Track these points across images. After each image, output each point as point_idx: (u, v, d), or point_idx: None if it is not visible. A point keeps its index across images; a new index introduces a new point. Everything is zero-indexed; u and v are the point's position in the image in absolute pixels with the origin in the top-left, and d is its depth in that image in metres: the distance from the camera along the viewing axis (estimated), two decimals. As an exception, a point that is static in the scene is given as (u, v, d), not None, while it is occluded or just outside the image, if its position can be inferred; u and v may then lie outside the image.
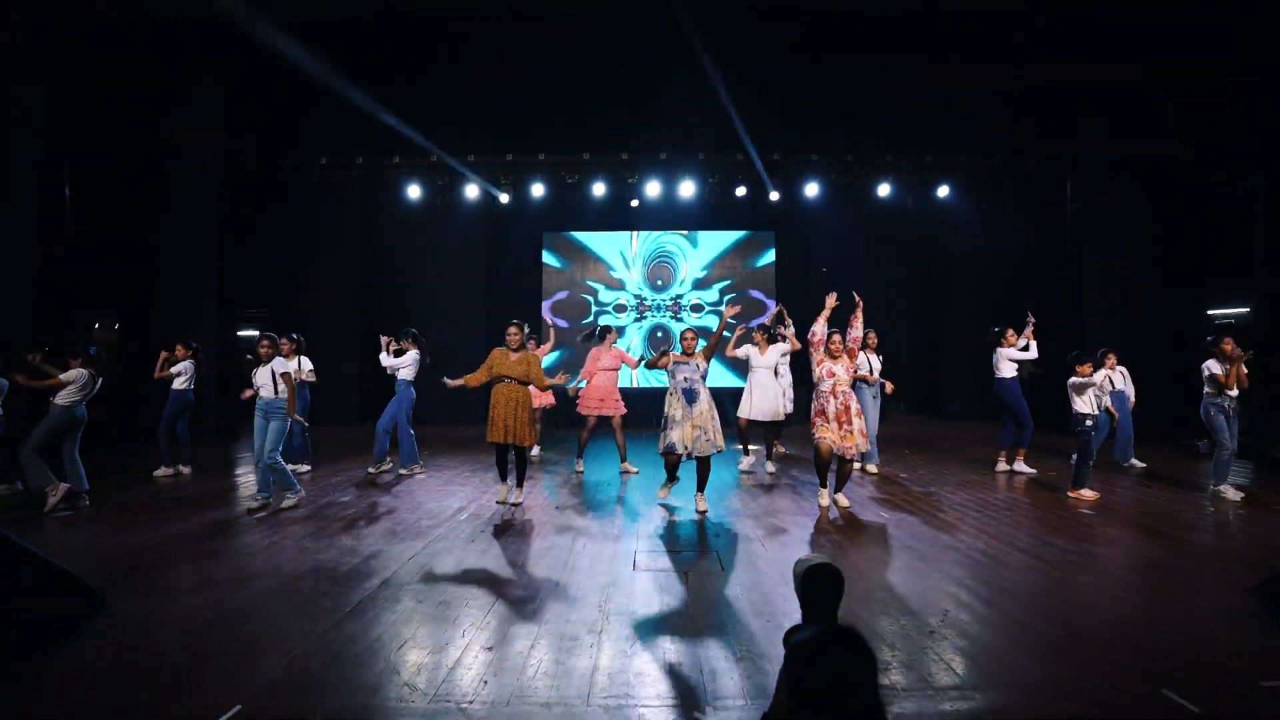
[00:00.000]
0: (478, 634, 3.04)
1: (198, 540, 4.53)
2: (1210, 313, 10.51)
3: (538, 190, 11.27)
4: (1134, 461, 7.28)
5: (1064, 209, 10.47)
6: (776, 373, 7.28)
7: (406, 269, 12.07)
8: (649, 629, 3.12)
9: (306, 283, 12.02)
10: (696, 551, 4.35)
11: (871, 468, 7.04)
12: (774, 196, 11.59)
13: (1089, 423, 5.63)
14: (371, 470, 6.94)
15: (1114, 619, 3.27)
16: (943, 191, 11.39)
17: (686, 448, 5.26)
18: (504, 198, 11.51)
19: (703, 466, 5.40)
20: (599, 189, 11.23)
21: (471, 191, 11.32)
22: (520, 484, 5.71)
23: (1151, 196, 9.83)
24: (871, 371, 6.86)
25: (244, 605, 3.39)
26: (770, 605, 3.39)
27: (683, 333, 5.62)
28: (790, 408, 8.04)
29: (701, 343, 5.56)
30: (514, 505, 5.57)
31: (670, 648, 2.92)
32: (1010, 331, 7.05)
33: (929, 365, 12.49)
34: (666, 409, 5.41)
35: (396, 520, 5.09)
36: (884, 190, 11.34)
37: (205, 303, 9.97)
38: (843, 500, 5.58)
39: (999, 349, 7.06)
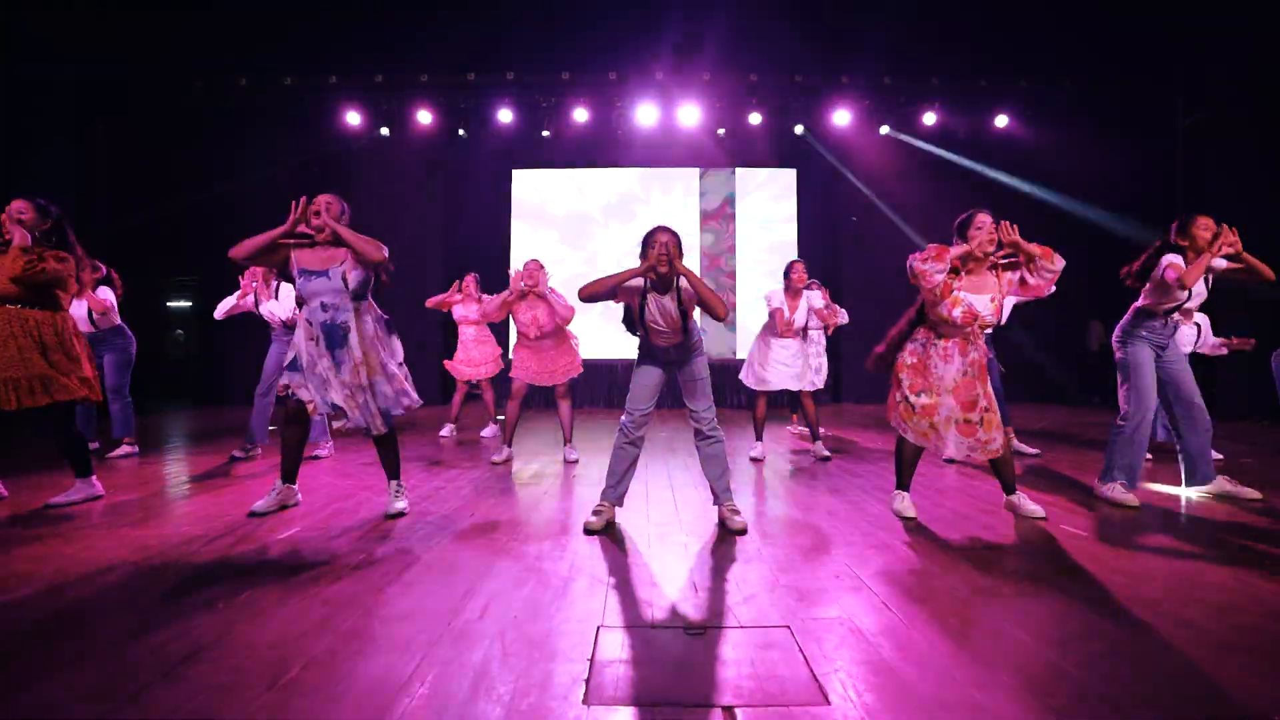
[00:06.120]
0: None
1: None
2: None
3: (505, 117, 8.71)
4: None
5: (1165, 141, 7.94)
6: (806, 335, 4.76)
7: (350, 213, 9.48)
8: None
9: (232, 232, 9.40)
10: (737, 625, 1.79)
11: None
12: (798, 129, 9.12)
13: None
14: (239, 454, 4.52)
15: None
16: (1001, 122, 8.89)
17: None
18: (461, 132, 8.99)
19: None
20: (580, 115, 8.68)
21: (424, 119, 8.76)
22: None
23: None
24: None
25: None
26: None
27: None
28: (820, 384, 5.53)
29: None
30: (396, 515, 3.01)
31: None
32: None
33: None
34: None
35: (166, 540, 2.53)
36: (929, 119, 8.82)
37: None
38: (1031, 507, 2.91)
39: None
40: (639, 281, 2.78)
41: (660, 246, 2.68)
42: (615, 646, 1.65)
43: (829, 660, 1.56)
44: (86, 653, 1.59)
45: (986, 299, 2.79)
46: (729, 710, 1.34)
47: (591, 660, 1.56)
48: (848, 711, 1.34)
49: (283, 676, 1.47)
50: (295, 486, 3.10)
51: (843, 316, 5.79)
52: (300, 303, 2.91)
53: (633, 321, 2.90)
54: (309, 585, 2.07)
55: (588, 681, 1.46)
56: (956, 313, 2.77)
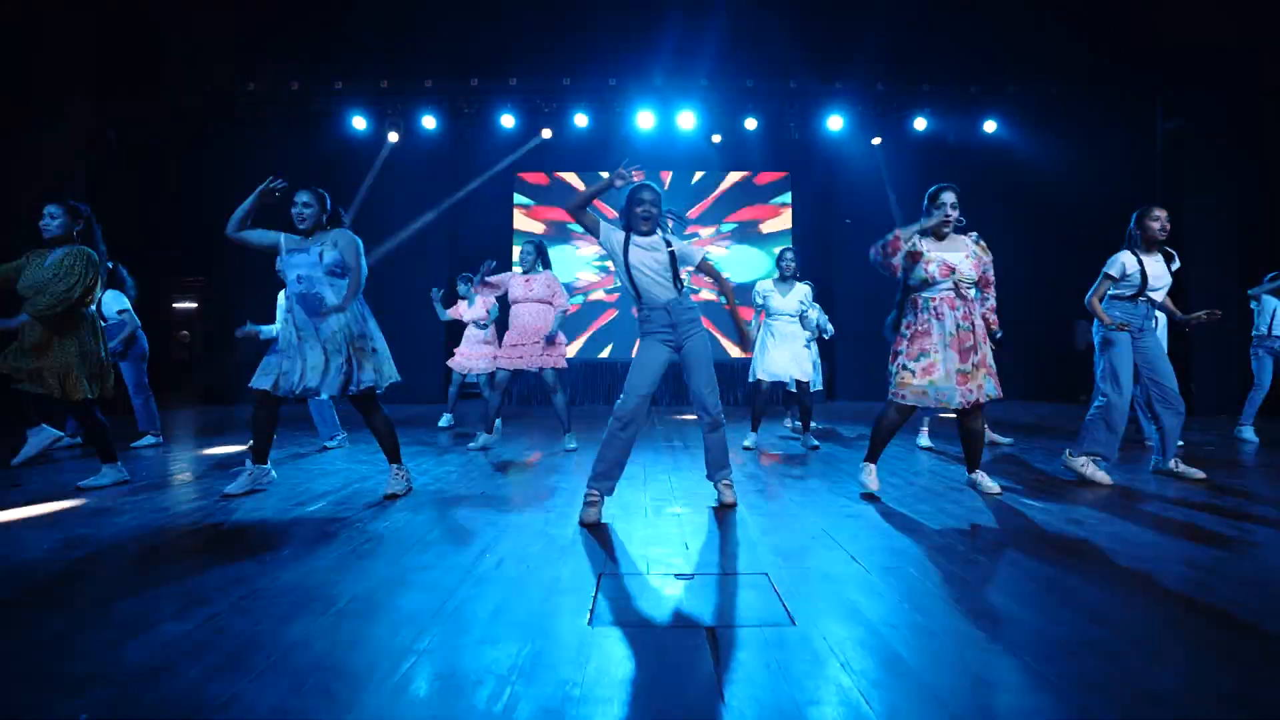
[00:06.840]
0: None
1: None
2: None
3: (508, 122, 8.99)
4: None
5: (1146, 145, 8.21)
6: (801, 323, 4.98)
7: (354, 216, 9.74)
8: None
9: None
10: (722, 573, 2.05)
11: None
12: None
13: None
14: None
15: None
16: (990, 126, 9.18)
17: None
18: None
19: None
20: (581, 120, 8.96)
21: (429, 123, 9.03)
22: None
23: (1265, 116, 7.62)
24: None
25: None
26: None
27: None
28: (820, 382, 5.79)
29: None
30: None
31: None
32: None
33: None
34: None
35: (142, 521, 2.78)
36: (920, 124, 9.11)
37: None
38: (989, 483, 3.16)
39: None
40: (619, 235, 2.80)
41: (645, 207, 2.76)
42: (615, 588, 1.91)
43: (799, 597, 1.82)
44: (161, 585, 1.85)
45: (961, 255, 3.03)
46: (710, 629, 1.60)
47: (595, 596, 1.82)
48: (809, 630, 1.60)
49: (332, 607, 1.73)
50: (268, 467, 3.24)
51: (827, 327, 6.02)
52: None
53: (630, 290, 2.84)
54: (341, 545, 2.33)
55: (591, 611, 1.72)
56: (932, 269, 3.01)
